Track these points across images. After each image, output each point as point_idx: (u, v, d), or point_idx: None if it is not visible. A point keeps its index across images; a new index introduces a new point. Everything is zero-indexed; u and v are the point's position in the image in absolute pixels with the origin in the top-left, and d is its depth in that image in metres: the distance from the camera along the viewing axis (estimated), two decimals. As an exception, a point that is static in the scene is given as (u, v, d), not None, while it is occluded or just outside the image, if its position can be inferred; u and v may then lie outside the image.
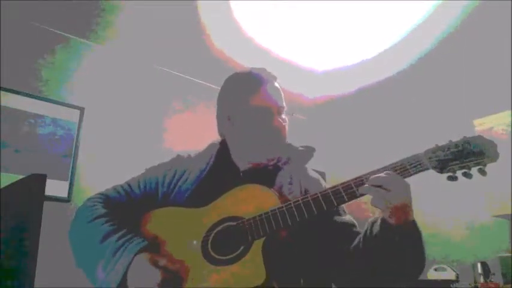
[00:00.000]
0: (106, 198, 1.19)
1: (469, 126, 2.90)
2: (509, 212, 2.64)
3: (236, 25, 2.63)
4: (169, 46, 2.87)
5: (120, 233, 1.07)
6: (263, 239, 1.00)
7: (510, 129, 2.73)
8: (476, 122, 2.90)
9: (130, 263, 1.01)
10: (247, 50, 2.85)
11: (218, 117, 1.27)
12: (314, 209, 0.98)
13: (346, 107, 3.70)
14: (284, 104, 1.22)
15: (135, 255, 1.02)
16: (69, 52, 2.72)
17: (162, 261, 1.01)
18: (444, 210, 3.17)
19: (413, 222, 0.96)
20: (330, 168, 3.60)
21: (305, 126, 3.81)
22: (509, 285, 2.51)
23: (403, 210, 0.92)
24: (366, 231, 1.01)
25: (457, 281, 2.73)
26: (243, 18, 2.58)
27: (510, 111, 2.77)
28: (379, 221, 0.97)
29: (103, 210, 1.14)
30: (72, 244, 1.15)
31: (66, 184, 2.50)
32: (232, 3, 2.44)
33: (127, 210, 1.17)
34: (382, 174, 0.93)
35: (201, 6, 2.46)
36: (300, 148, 1.27)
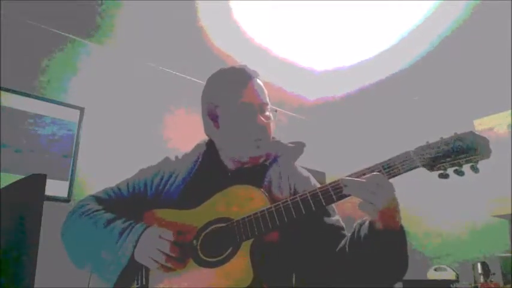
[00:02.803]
0: (98, 199, 1.22)
1: (469, 126, 2.89)
2: (509, 212, 2.63)
3: (236, 25, 2.63)
4: (169, 46, 2.88)
5: (123, 219, 1.12)
6: (251, 240, 1.00)
7: (510, 129, 2.73)
8: (476, 122, 2.89)
9: (137, 241, 1.05)
10: (247, 49, 2.85)
11: (204, 115, 1.24)
12: (302, 209, 0.97)
13: (346, 107, 3.70)
14: (268, 100, 1.20)
15: (142, 231, 1.06)
16: (69, 52, 2.72)
17: (170, 235, 1.04)
18: (444, 210, 3.17)
19: (401, 227, 0.95)
20: (329, 168, 3.60)
21: (305, 126, 3.81)
22: (509, 285, 2.51)
23: (390, 214, 0.91)
24: (353, 233, 1.00)
25: (457, 281, 2.73)
26: (243, 18, 2.58)
27: (510, 111, 2.77)
28: (367, 224, 0.97)
29: (99, 206, 1.17)
30: (70, 239, 1.16)
31: (66, 184, 2.50)
32: (231, 3, 2.44)
33: (118, 210, 1.18)
34: (362, 179, 0.91)
35: (201, 6, 2.46)
36: (289, 145, 1.26)
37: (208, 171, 1.21)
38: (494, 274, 2.62)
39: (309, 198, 0.97)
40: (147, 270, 1.08)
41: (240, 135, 1.16)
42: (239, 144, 1.16)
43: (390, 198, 0.90)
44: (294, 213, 0.98)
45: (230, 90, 1.18)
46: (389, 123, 3.69)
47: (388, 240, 0.92)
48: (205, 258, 1.03)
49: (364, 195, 0.90)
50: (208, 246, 1.04)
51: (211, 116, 1.21)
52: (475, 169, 0.89)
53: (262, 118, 1.16)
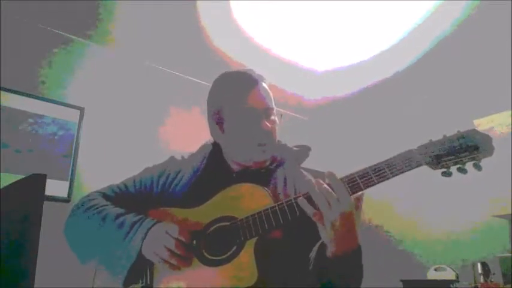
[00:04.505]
0: (103, 195, 1.22)
1: (469, 126, 2.88)
2: (509, 212, 2.63)
3: (236, 25, 2.63)
4: (169, 46, 2.88)
5: (133, 213, 1.12)
6: (255, 238, 0.99)
7: (510, 129, 2.73)
8: (476, 122, 2.89)
9: (146, 235, 1.05)
10: (247, 49, 2.85)
11: (209, 119, 1.24)
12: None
13: (347, 107, 3.70)
14: (273, 105, 1.20)
15: (151, 226, 1.06)
16: (69, 52, 2.72)
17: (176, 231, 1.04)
18: (444, 210, 3.17)
19: (357, 250, 0.94)
20: (330, 168, 3.58)
21: (305, 127, 3.81)
22: (509, 285, 2.51)
23: (347, 237, 0.91)
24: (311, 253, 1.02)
25: (457, 281, 2.73)
26: (243, 18, 2.58)
27: (510, 111, 2.77)
28: (316, 247, 0.99)
29: (106, 202, 1.18)
30: (75, 233, 1.17)
31: (66, 184, 2.50)
32: (232, 3, 2.44)
33: (124, 206, 1.18)
34: (329, 190, 0.91)
35: (201, 6, 2.46)
36: (295, 148, 1.26)
37: (213, 172, 1.22)
38: (494, 274, 2.62)
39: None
40: (152, 269, 1.08)
41: (245, 140, 1.15)
42: (244, 149, 1.17)
43: (350, 217, 0.90)
44: (297, 211, 0.97)
45: (235, 95, 1.17)
46: (388, 123, 3.69)
47: (338, 259, 0.93)
48: (209, 257, 1.03)
49: (322, 207, 0.90)
50: (213, 245, 1.04)
51: (217, 120, 1.21)
52: (477, 167, 0.89)
53: (267, 123, 1.16)
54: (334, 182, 0.92)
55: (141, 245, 1.05)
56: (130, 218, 1.10)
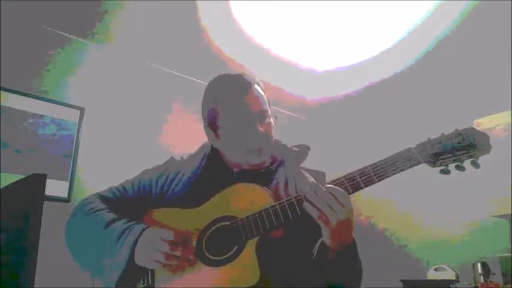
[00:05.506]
0: (102, 198, 1.21)
1: (469, 126, 2.88)
2: (509, 212, 2.63)
3: (236, 25, 2.63)
4: (169, 46, 2.88)
5: (124, 220, 1.11)
6: (256, 238, 0.99)
7: (510, 129, 2.73)
8: (476, 122, 2.89)
9: (136, 242, 1.04)
10: (247, 49, 2.85)
11: (204, 125, 1.23)
12: None
13: (346, 107, 3.70)
14: (268, 107, 1.18)
15: (140, 233, 1.05)
16: (69, 52, 2.72)
17: (170, 235, 1.03)
18: (444, 210, 3.17)
19: (352, 240, 0.98)
20: (330, 168, 3.59)
21: (305, 127, 3.82)
22: (509, 285, 2.51)
23: (344, 232, 0.95)
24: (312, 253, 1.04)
25: (457, 281, 2.73)
26: (243, 17, 2.58)
27: (510, 111, 2.77)
28: (317, 244, 1.01)
29: (103, 205, 1.17)
30: (72, 239, 1.17)
31: (66, 184, 2.51)
32: (232, 3, 2.44)
33: (123, 209, 1.17)
34: (329, 193, 0.93)
35: (201, 6, 2.46)
36: (294, 148, 1.26)
37: (213, 172, 1.21)
38: (494, 274, 2.62)
39: None
40: (153, 269, 1.08)
41: (241, 146, 1.14)
42: (239, 153, 1.16)
43: (350, 218, 0.94)
44: (298, 210, 0.97)
45: (229, 100, 1.16)
46: (388, 123, 3.69)
47: (338, 256, 0.96)
48: (210, 257, 1.03)
49: (325, 210, 0.92)
50: (214, 245, 1.04)
51: (211, 126, 1.20)
52: (475, 164, 0.91)
53: (262, 126, 1.14)
54: (336, 191, 0.94)
55: (130, 253, 1.04)
56: (119, 225, 1.09)
